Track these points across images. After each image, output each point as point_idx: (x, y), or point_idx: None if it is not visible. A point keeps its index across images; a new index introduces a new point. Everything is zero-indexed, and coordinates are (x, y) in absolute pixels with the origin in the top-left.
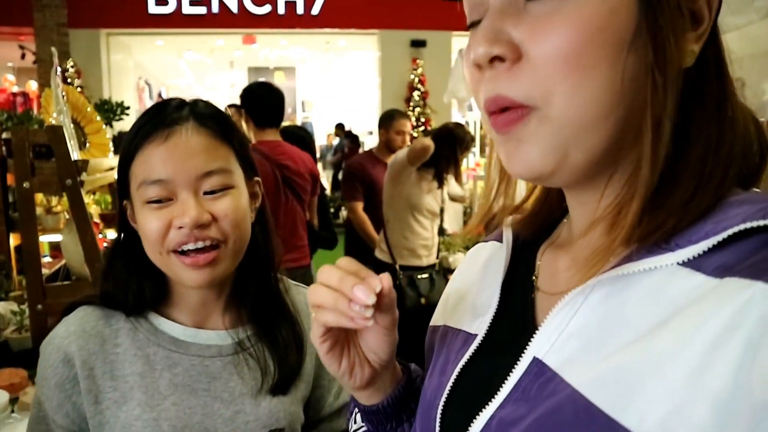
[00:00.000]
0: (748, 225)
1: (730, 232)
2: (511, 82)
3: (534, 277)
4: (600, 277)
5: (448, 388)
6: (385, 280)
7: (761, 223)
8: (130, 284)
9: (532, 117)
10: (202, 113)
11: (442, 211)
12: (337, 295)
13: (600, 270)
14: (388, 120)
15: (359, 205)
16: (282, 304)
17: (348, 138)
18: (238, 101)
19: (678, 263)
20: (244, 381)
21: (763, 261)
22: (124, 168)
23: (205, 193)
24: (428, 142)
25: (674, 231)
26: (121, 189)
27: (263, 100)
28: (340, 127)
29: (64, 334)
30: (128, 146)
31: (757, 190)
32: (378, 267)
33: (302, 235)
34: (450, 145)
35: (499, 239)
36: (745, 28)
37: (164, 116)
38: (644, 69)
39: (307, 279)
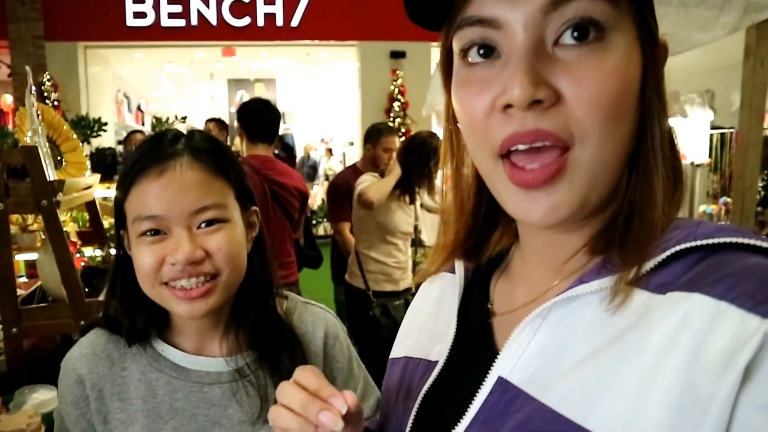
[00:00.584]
0: (682, 246)
1: (667, 253)
2: (553, 119)
3: (489, 304)
4: (556, 299)
5: (412, 415)
6: (349, 398)
7: (692, 244)
8: (128, 314)
9: (572, 161)
10: (198, 147)
11: (416, 228)
12: (301, 420)
13: (555, 293)
14: (376, 135)
15: (346, 226)
16: (282, 329)
17: (285, 150)
18: (218, 113)
19: (625, 283)
20: (243, 409)
21: (697, 276)
22: (120, 200)
23: (200, 227)
24: (371, 196)
25: (644, 257)
26: (118, 219)
27: (256, 114)
28: (279, 138)
29: (78, 355)
30: (124, 179)
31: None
32: (350, 293)
33: (290, 252)
34: (423, 156)
35: (450, 270)
36: (714, 42)
37: (159, 150)
38: (651, 115)
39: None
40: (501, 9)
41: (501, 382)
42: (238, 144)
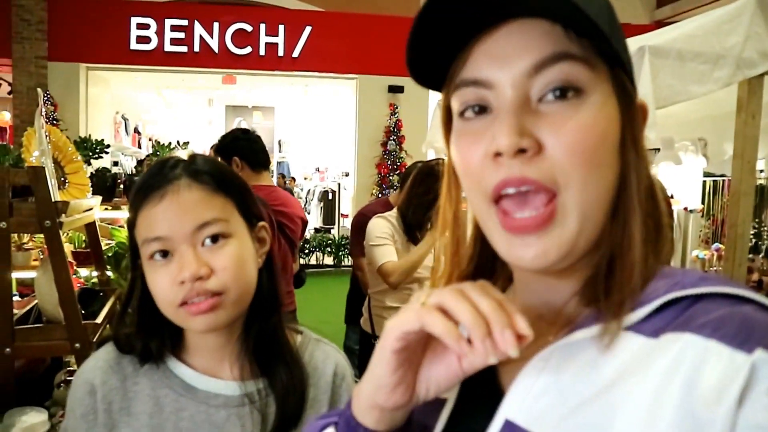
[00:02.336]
0: (675, 295)
1: (660, 302)
2: (537, 167)
3: None
4: (558, 343)
5: None
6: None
7: (679, 294)
8: (142, 337)
9: (560, 206)
10: (197, 169)
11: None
12: (480, 323)
13: (555, 337)
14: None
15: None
16: (293, 362)
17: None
18: (215, 139)
19: (623, 328)
20: None
21: (686, 319)
22: (131, 229)
23: (204, 245)
24: (393, 277)
25: (634, 304)
26: (133, 248)
27: (253, 144)
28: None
29: (92, 367)
30: (131, 209)
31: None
32: (363, 339)
33: (289, 281)
34: (434, 184)
35: None
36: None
37: (160, 177)
38: (628, 168)
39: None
40: (492, 71)
41: (508, 424)
42: None
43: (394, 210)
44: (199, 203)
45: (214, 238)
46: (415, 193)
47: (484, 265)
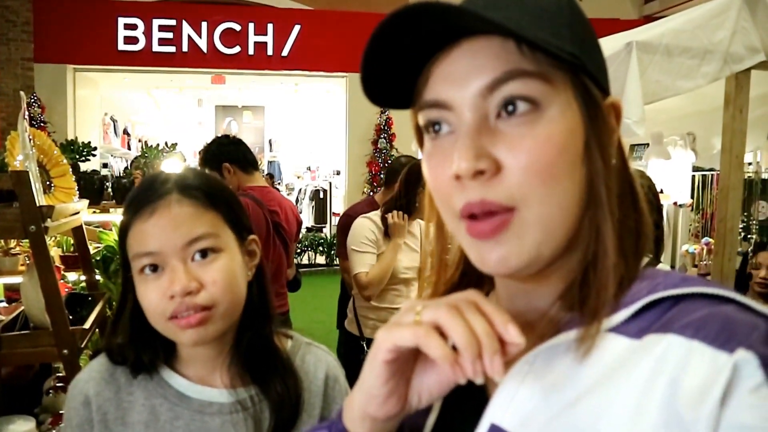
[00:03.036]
0: (657, 296)
1: (642, 303)
2: (495, 188)
3: None
4: (541, 347)
5: None
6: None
7: (661, 295)
8: (135, 349)
9: (514, 224)
10: (187, 184)
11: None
12: (471, 341)
13: (538, 340)
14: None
15: None
16: (284, 367)
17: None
18: (205, 139)
19: (606, 330)
20: None
21: (668, 320)
22: (122, 242)
23: (194, 259)
24: (369, 287)
25: (613, 307)
26: (124, 260)
27: (240, 146)
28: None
29: (86, 378)
30: (122, 223)
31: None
32: (347, 341)
33: (283, 282)
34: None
35: None
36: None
37: (151, 192)
38: (594, 176)
39: (287, 325)
40: (450, 93)
41: (494, 428)
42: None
43: (375, 212)
44: (189, 218)
45: (204, 253)
46: (411, 193)
47: (470, 271)
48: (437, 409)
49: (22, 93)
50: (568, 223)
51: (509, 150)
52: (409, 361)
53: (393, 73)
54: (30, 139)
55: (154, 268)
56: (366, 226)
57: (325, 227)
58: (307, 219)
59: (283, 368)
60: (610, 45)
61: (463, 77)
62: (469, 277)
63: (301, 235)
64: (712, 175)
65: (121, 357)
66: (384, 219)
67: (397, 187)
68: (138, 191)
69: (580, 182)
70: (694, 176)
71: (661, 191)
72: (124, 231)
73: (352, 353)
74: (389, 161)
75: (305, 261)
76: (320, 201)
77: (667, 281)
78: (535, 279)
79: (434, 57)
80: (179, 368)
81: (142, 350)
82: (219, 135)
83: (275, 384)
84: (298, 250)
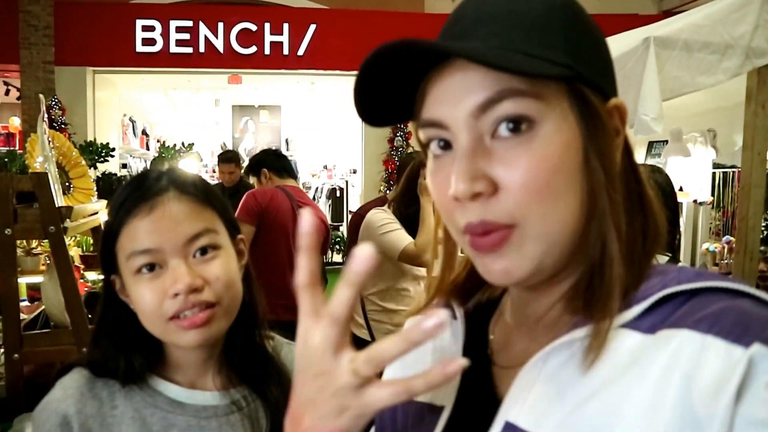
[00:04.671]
0: (670, 290)
1: (655, 298)
2: (494, 209)
3: (489, 351)
4: (554, 344)
5: None
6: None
7: (674, 289)
8: (119, 359)
9: (514, 238)
10: (181, 181)
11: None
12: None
13: (554, 338)
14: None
15: None
16: (272, 365)
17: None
18: (222, 139)
19: (619, 326)
20: None
21: (682, 316)
22: (110, 243)
23: (195, 257)
24: (422, 251)
25: (619, 307)
26: (107, 264)
27: (281, 158)
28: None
29: (62, 397)
30: (112, 222)
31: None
32: (356, 344)
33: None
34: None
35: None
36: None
37: (145, 189)
38: (596, 186)
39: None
40: (444, 113)
41: (509, 426)
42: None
43: (384, 208)
44: (189, 215)
45: (204, 251)
46: (408, 189)
47: (476, 273)
48: (448, 411)
49: (41, 95)
50: (570, 235)
51: (506, 170)
52: None
53: (388, 95)
54: (49, 141)
55: (151, 267)
56: (381, 212)
57: (341, 225)
58: None
59: (276, 369)
60: (627, 41)
61: (455, 97)
62: (476, 279)
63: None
64: (733, 172)
65: (105, 368)
66: (398, 211)
67: (401, 182)
68: (129, 189)
69: (580, 194)
70: (714, 173)
71: (681, 189)
72: (114, 231)
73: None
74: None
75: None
76: (337, 199)
77: (680, 276)
78: (544, 286)
79: (429, 74)
80: (168, 375)
81: (133, 356)
82: (265, 147)
83: (270, 385)
84: None
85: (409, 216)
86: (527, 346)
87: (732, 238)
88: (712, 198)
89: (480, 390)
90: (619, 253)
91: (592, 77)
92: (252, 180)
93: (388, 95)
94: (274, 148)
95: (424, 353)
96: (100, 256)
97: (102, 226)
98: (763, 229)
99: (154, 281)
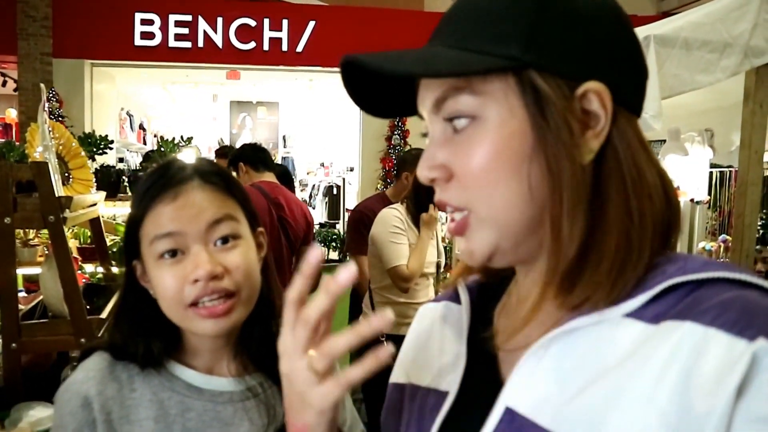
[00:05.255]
0: (675, 281)
1: (660, 288)
2: (448, 192)
3: (494, 336)
4: (556, 331)
5: None
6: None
7: (683, 279)
8: (138, 343)
9: (471, 222)
10: (206, 171)
11: (438, 266)
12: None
13: (555, 325)
14: (415, 162)
15: (365, 261)
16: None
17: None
18: (219, 135)
19: (623, 315)
20: (255, 427)
21: (687, 307)
22: (134, 229)
23: (216, 245)
24: (412, 273)
25: (611, 295)
26: (130, 249)
27: (257, 150)
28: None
29: (83, 378)
30: (137, 208)
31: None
32: None
33: (286, 279)
34: None
35: (452, 299)
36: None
37: (170, 177)
38: (548, 174)
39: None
40: (422, 108)
41: (509, 412)
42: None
43: (398, 205)
44: (212, 202)
45: (225, 240)
46: (418, 189)
47: None
48: (453, 395)
49: (42, 85)
50: (520, 220)
51: (456, 159)
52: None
53: (382, 92)
54: (50, 131)
55: (173, 253)
56: (394, 215)
57: (338, 223)
58: (321, 215)
59: None
60: None
61: (422, 95)
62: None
63: (314, 230)
64: (729, 172)
65: (125, 351)
66: (417, 214)
67: (409, 182)
68: (154, 178)
69: (528, 181)
70: (711, 173)
71: (678, 188)
72: (139, 217)
73: (370, 350)
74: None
75: None
76: (334, 197)
77: (688, 266)
78: (525, 269)
79: None
80: (185, 360)
81: (151, 341)
82: (232, 131)
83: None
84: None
85: (427, 207)
86: (530, 331)
87: (728, 237)
88: (708, 197)
89: (485, 374)
90: (551, 249)
91: (549, 63)
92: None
93: (382, 92)
94: (271, 144)
95: (427, 330)
96: (124, 240)
97: (100, 218)
98: (759, 228)
99: (176, 267)
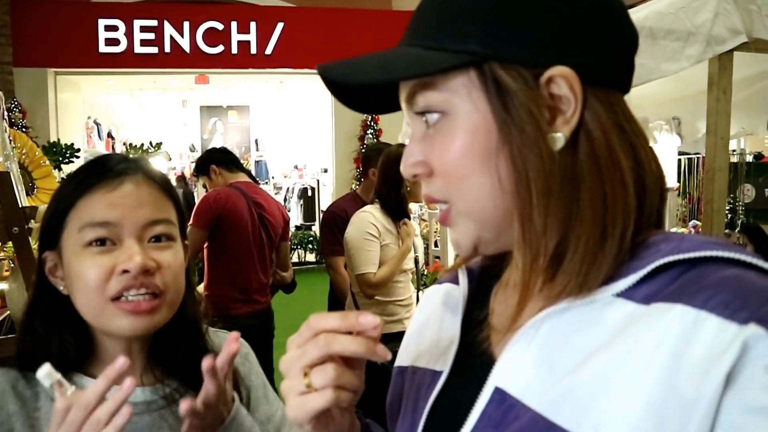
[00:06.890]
0: (666, 260)
1: (652, 266)
2: (430, 187)
3: (488, 316)
4: (547, 311)
5: (421, 425)
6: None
7: (676, 257)
8: (51, 344)
9: (453, 214)
10: (149, 169)
11: (417, 261)
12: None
13: (544, 306)
14: (378, 157)
15: (341, 261)
16: (203, 354)
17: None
18: (190, 141)
19: (613, 294)
20: None
21: (679, 288)
22: (59, 216)
23: (150, 242)
24: (379, 283)
25: (584, 285)
26: (47, 238)
27: (226, 152)
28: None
29: None
30: (67, 195)
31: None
32: None
33: (267, 274)
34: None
35: (454, 281)
36: (680, 72)
37: (110, 167)
38: (515, 166)
39: (270, 320)
40: (401, 102)
41: (498, 392)
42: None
43: (373, 207)
44: (154, 200)
45: (158, 238)
46: (393, 180)
47: None
48: (445, 375)
49: (0, 94)
50: (497, 211)
51: (431, 154)
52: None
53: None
54: (10, 140)
55: (103, 242)
56: (367, 220)
57: (314, 225)
58: (296, 217)
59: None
60: None
61: (400, 91)
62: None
63: (290, 234)
64: (697, 158)
65: (36, 356)
66: (387, 207)
67: (376, 179)
68: (92, 168)
69: (497, 175)
70: (680, 160)
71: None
72: (69, 203)
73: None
74: None
75: (295, 259)
76: (308, 199)
77: (683, 245)
78: (512, 255)
79: None
80: (93, 372)
81: (65, 338)
82: (203, 136)
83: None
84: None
85: (398, 202)
86: (525, 311)
87: (698, 223)
88: (678, 184)
89: (479, 354)
90: (519, 240)
91: (509, 54)
92: (201, 180)
93: (367, 91)
94: (243, 148)
95: (428, 314)
96: (43, 228)
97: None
98: (726, 212)
99: (104, 256)
